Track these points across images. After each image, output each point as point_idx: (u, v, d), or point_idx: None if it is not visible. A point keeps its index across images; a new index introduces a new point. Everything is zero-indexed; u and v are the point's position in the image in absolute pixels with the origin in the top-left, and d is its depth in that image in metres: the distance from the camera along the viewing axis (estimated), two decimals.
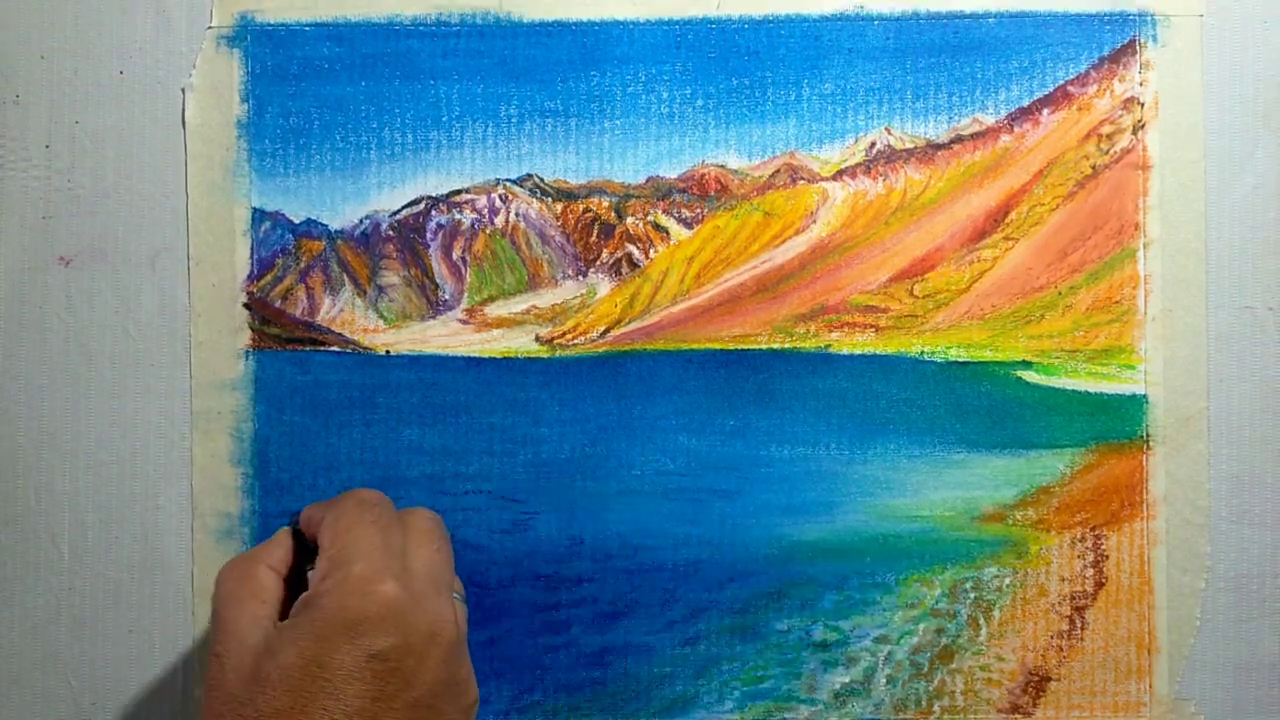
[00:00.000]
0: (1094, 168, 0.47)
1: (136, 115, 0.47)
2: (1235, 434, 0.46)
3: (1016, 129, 0.47)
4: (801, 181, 0.47)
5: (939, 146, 0.47)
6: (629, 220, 0.47)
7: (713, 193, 0.47)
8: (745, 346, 0.47)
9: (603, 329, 0.47)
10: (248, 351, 0.46)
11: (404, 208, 0.47)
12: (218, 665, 0.36)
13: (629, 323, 0.47)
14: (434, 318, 0.47)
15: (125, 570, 0.46)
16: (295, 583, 0.39)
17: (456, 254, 0.48)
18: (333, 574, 0.36)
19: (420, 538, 0.39)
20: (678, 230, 0.47)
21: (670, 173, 0.47)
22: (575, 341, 0.47)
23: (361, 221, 0.47)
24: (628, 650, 0.46)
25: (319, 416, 0.46)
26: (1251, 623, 0.46)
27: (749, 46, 0.47)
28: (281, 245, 0.47)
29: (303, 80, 0.47)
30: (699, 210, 0.47)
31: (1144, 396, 0.46)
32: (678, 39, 0.47)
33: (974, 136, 0.47)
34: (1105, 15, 0.46)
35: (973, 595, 0.46)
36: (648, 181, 0.47)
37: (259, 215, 0.47)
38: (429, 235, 0.47)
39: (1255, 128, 0.46)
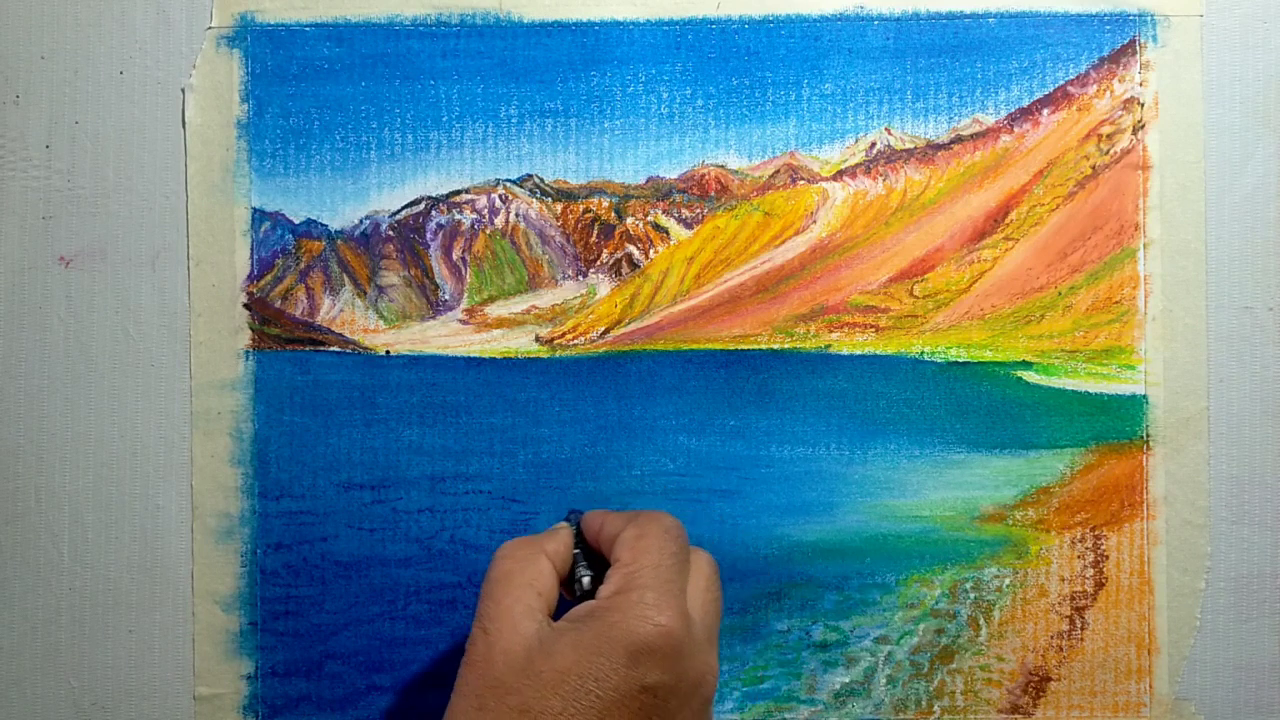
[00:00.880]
0: (1094, 168, 0.47)
1: (137, 115, 0.47)
2: (1235, 434, 0.46)
3: (1016, 129, 0.47)
4: (801, 182, 0.47)
5: (939, 147, 0.47)
6: (629, 220, 0.47)
7: (713, 193, 0.47)
8: (745, 347, 0.47)
9: (603, 329, 0.47)
10: (248, 352, 0.46)
11: (404, 208, 0.47)
12: (485, 643, 0.35)
13: (629, 323, 0.47)
14: (434, 318, 0.47)
15: (125, 570, 0.46)
16: (564, 582, 0.39)
17: (456, 254, 0.48)
18: (626, 593, 0.36)
19: (703, 583, 0.38)
20: (678, 230, 0.47)
21: (670, 173, 0.47)
22: (575, 342, 0.47)
23: (361, 222, 0.47)
24: None
25: (319, 417, 0.46)
26: (1251, 623, 0.46)
27: (749, 47, 0.47)
28: (281, 245, 0.47)
29: (303, 80, 0.47)
30: (699, 210, 0.47)
31: (1144, 397, 0.46)
32: (678, 39, 0.47)
33: (974, 137, 0.47)
34: (1105, 15, 0.46)
35: (973, 595, 0.46)
36: (648, 182, 0.47)
37: (259, 215, 0.47)
38: (429, 235, 0.47)
39: (1255, 128, 0.46)
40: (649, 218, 0.47)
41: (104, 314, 0.46)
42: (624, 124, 0.47)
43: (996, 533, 0.46)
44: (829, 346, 0.47)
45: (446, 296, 0.48)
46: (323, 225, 0.47)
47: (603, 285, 0.47)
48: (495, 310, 0.48)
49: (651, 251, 0.47)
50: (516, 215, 0.47)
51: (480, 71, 0.47)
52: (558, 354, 0.47)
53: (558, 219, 0.47)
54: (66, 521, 0.46)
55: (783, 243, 0.47)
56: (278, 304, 0.47)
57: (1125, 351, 0.46)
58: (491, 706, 0.34)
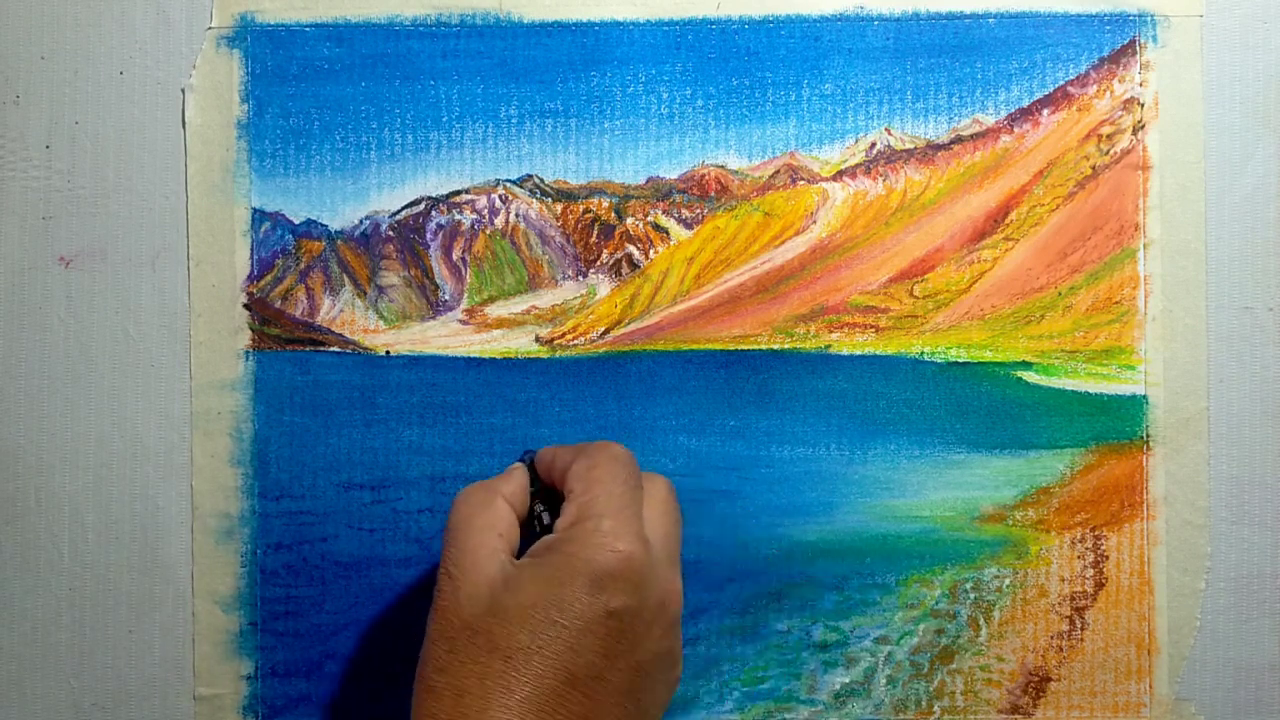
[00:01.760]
0: (1094, 168, 0.47)
1: (137, 116, 0.47)
2: (1235, 434, 0.46)
3: (1016, 129, 0.47)
4: (801, 182, 0.47)
5: (939, 147, 0.47)
6: (629, 221, 0.47)
7: (713, 193, 0.47)
8: (745, 347, 0.47)
9: (603, 329, 0.47)
10: (248, 352, 0.46)
11: (404, 208, 0.47)
12: (451, 588, 0.36)
13: (629, 323, 0.47)
14: (434, 318, 0.47)
15: (125, 570, 0.46)
16: (524, 521, 0.39)
17: (456, 254, 0.48)
18: (582, 523, 0.36)
19: (660, 507, 0.39)
20: (678, 231, 0.47)
21: (670, 173, 0.47)
22: (575, 342, 0.47)
23: (361, 222, 0.47)
24: None
25: (319, 417, 0.46)
26: (1252, 623, 0.46)
27: (749, 47, 0.47)
28: (281, 246, 0.47)
29: (303, 81, 0.47)
30: (699, 211, 0.47)
31: (1144, 397, 0.46)
32: (678, 39, 0.47)
33: (974, 137, 0.47)
34: (1105, 16, 0.46)
35: (973, 596, 0.46)
36: (648, 182, 0.47)
37: (259, 216, 0.47)
38: (429, 236, 0.47)
39: (1255, 128, 0.46)
40: (649, 218, 0.47)
41: (104, 314, 0.46)
42: (624, 124, 0.47)
43: (996, 533, 0.46)
44: (829, 347, 0.47)
45: (446, 297, 0.48)
46: (323, 225, 0.47)
47: (603, 285, 0.47)
48: (495, 310, 0.48)
49: (651, 252, 0.47)
50: (516, 215, 0.47)
51: (480, 72, 0.47)
52: (558, 354, 0.47)
53: (558, 219, 0.47)
54: (66, 522, 0.46)
55: (783, 243, 0.47)
56: (278, 304, 0.47)
57: (1125, 352, 0.46)
58: (461, 648, 0.34)
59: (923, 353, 0.47)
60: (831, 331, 0.47)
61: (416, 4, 0.47)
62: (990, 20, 0.46)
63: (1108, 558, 0.46)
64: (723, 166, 0.47)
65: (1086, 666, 0.46)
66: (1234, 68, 0.46)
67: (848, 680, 0.46)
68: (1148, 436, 0.46)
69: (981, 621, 0.46)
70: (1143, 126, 0.46)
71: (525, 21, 0.47)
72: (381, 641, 0.46)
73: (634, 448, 0.46)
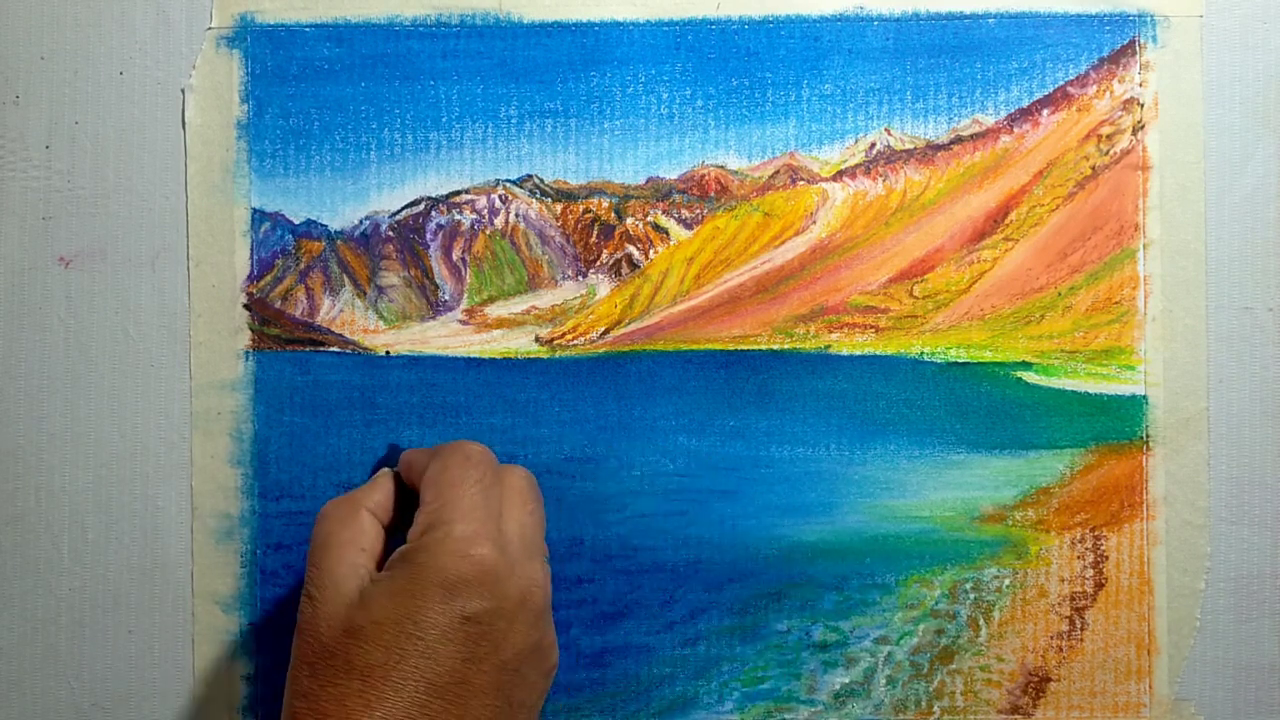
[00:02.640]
0: (1094, 168, 0.47)
1: (136, 116, 0.47)
2: (1235, 435, 0.46)
3: (1016, 130, 0.47)
4: (801, 182, 0.47)
5: (939, 147, 0.47)
6: (629, 221, 0.47)
7: (712, 193, 0.47)
8: (745, 347, 0.47)
9: (602, 330, 0.47)
10: (247, 352, 0.46)
11: (404, 208, 0.47)
12: (311, 610, 0.36)
13: (629, 323, 0.47)
14: (434, 318, 0.47)
15: (125, 571, 0.46)
16: (393, 527, 0.39)
17: (456, 255, 0.48)
18: (432, 531, 0.36)
19: (516, 499, 0.39)
20: (677, 231, 0.47)
21: (670, 173, 0.47)
22: (575, 342, 0.47)
23: (361, 222, 0.47)
24: (627, 651, 0.46)
25: (319, 417, 0.46)
26: (1252, 623, 0.46)
27: (749, 47, 0.47)
28: (281, 246, 0.47)
29: (303, 81, 0.47)
30: (699, 211, 0.47)
31: (1144, 397, 0.46)
32: (677, 40, 0.47)
33: (974, 137, 0.47)
34: (1105, 16, 0.46)
35: (972, 596, 0.46)
36: (647, 182, 0.47)
37: (259, 216, 0.47)
38: (429, 236, 0.47)
39: (1255, 129, 0.46)
40: (649, 218, 0.47)
41: (104, 314, 0.46)
42: (624, 124, 0.47)
43: (996, 533, 0.46)
44: (829, 347, 0.47)
45: (446, 297, 0.48)
46: (322, 225, 0.47)
47: (602, 286, 0.47)
48: (495, 310, 0.48)
49: (651, 252, 0.47)
50: (516, 215, 0.47)
51: (480, 72, 0.47)
52: (557, 354, 0.47)
53: (557, 219, 0.47)
54: (66, 522, 0.46)
55: (782, 243, 0.47)
56: (278, 304, 0.47)
57: (1125, 352, 0.46)
58: (321, 671, 0.34)
59: (922, 353, 0.47)
60: (831, 332, 0.47)
61: (416, 4, 0.47)
62: (990, 20, 0.46)
63: (1107, 558, 0.46)
64: (722, 167, 0.47)
65: (1086, 667, 0.46)
66: (1234, 68, 0.46)
67: (847, 680, 0.46)
68: (1147, 437, 0.46)
69: (981, 622, 0.46)
70: (1142, 127, 0.46)
71: (525, 22, 0.47)
72: None
73: (634, 448, 0.46)
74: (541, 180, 0.47)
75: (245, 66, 0.46)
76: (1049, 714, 0.46)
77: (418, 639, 0.34)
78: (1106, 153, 0.47)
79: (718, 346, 0.47)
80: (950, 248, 0.47)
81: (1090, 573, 0.46)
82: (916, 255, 0.47)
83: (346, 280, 0.47)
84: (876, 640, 0.46)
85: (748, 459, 0.47)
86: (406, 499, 0.40)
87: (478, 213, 0.47)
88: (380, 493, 0.40)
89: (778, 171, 0.47)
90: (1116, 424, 0.46)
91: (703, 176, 0.47)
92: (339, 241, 0.47)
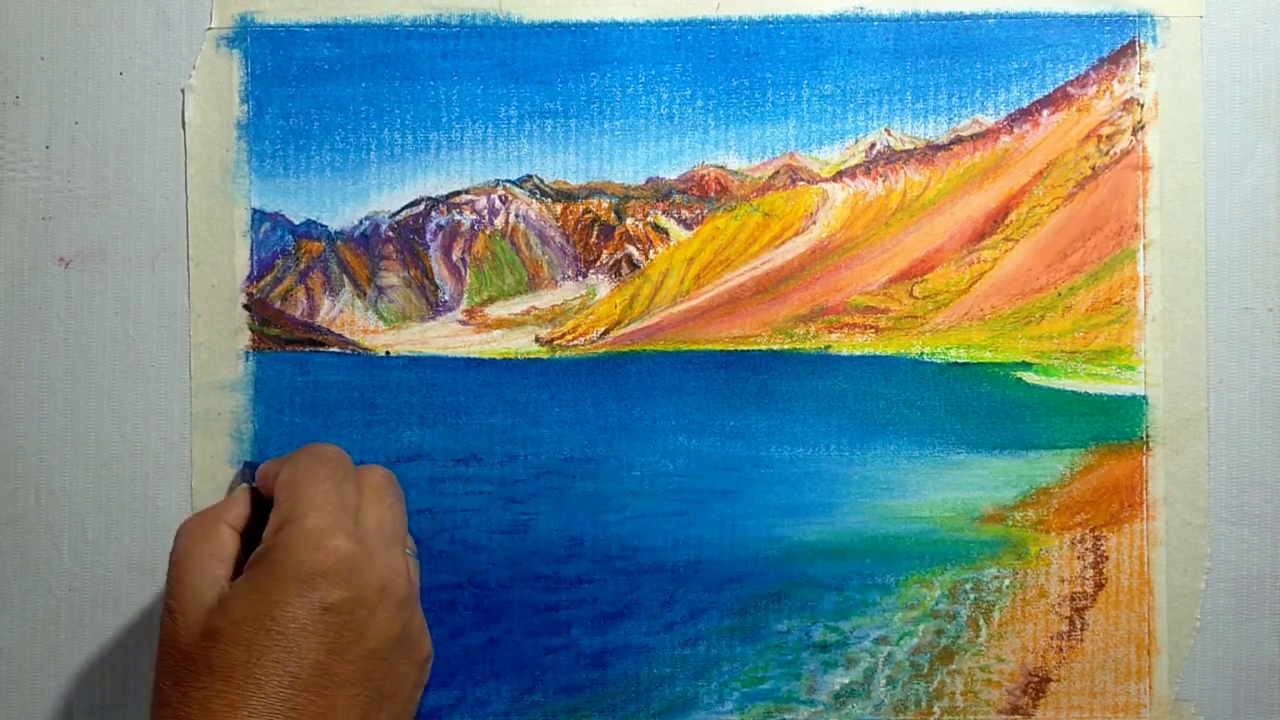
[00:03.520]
0: (1094, 169, 0.47)
1: (136, 116, 0.47)
2: (1235, 435, 0.46)
3: (1016, 130, 0.47)
4: (801, 182, 0.47)
5: (939, 147, 0.47)
6: (629, 221, 0.47)
7: (712, 194, 0.47)
8: (745, 347, 0.47)
9: (602, 330, 0.47)
10: (247, 352, 0.46)
11: (404, 209, 0.47)
12: (170, 622, 0.36)
13: (629, 324, 0.47)
14: (434, 319, 0.47)
15: (125, 571, 0.46)
16: (252, 539, 0.39)
17: (456, 255, 0.48)
18: (285, 527, 0.36)
19: (373, 494, 0.39)
20: (677, 231, 0.47)
21: (670, 174, 0.47)
22: (575, 342, 0.47)
23: (361, 222, 0.47)
24: (627, 651, 0.46)
25: (319, 417, 0.46)
26: (1252, 624, 0.46)
27: (748, 47, 0.47)
28: (281, 246, 0.47)
29: (302, 81, 0.47)
30: (699, 211, 0.47)
31: (1144, 397, 0.46)
32: (677, 40, 0.47)
33: (974, 137, 0.47)
34: (1105, 16, 0.46)
35: (972, 596, 0.46)
36: (647, 182, 0.47)
37: (259, 216, 0.47)
38: (429, 236, 0.47)
39: (1255, 129, 0.46)
40: (649, 218, 0.47)
41: (104, 314, 0.46)
42: (623, 125, 0.47)
43: (996, 533, 0.46)
44: (829, 347, 0.47)
45: (446, 297, 0.48)
46: (322, 226, 0.47)
47: (602, 286, 0.47)
48: (495, 311, 0.48)
49: (651, 252, 0.47)
50: (516, 216, 0.47)
51: (480, 72, 0.47)
52: (557, 354, 0.47)
53: (557, 220, 0.47)
54: (66, 522, 0.46)
55: (782, 243, 0.47)
56: (277, 304, 0.47)
57: (1125, 352, 0.46)
58: (183, 678, 0.35)
59: (922, 353, 0.47)
60: (831, 332, 0.47)
61: (416, 4, 0.47)
62: (990, 21, 0.46)
63: (1107, 558, 0.46)
64: (722, 167, 0.47)
65: (1086, 667, 0.46)
66: (1234, 68, 0.46)
67: (847, 681, 0.46)
68: (1147, 437, 0.46)
69: (981, 622, 0.46)
70: (1142, 127, 0.46)
71: (525, 22, 0.47)
72: None
73: (634, 448, 0.46)
74: (541, 180, 0.47)
75: (245, 67, 0.46)
76: (1049, 714, 0.46)
77: (277, 634, 0.34)
78: (1106, 153, 0.47)
79: (718, 347, 0.47)
80: (950, 248, 0.47)
81: (1090, 573, 0.46)
82: (916, 255, 0.47)
83: (346, 280, 0.47)
84: (876, 640, 0.46)
85: (748, 459, 0.47)
86: (264, 512, 0.40)
87: (478, 213, 0.47)
88: (238, 506, 0.40)
89: (778, 172, 0.47)
90: (1116, 424, 0.46)
91: (703, 177, 0.47)
92: (339, 242, 0.47)
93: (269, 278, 0.47)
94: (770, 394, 0.47)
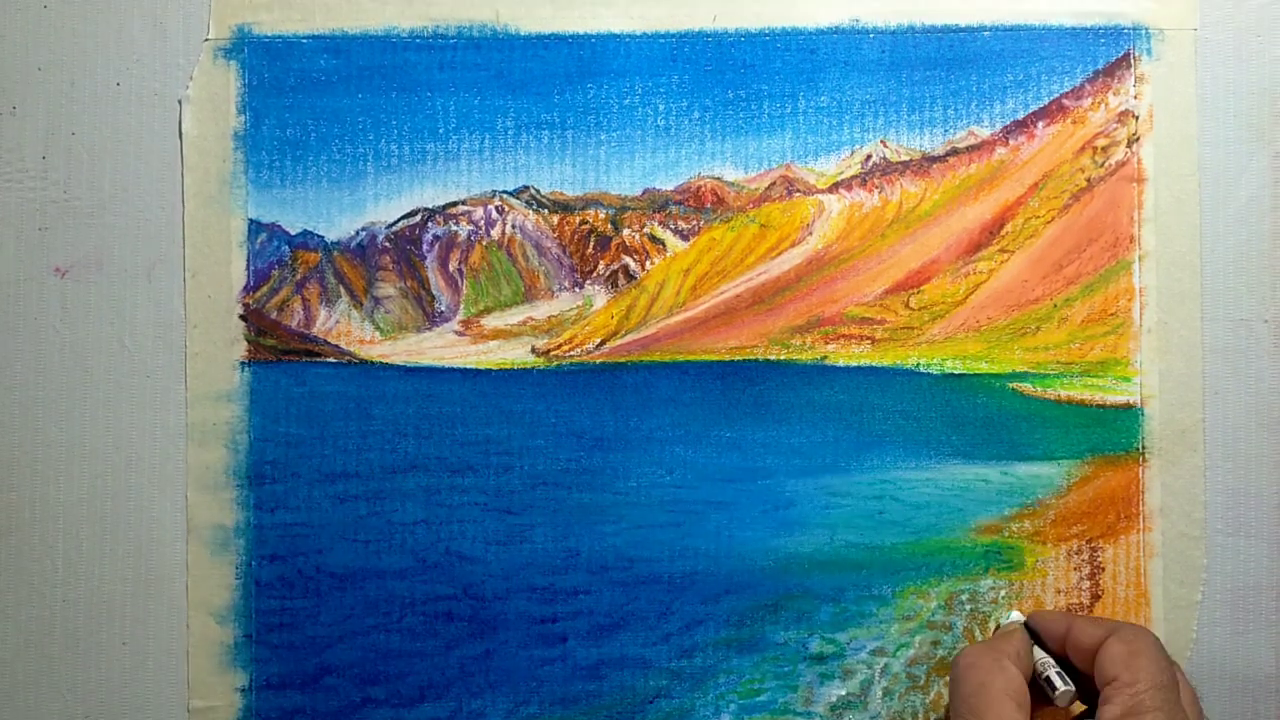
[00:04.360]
0: (1089, 180, 0.47)
1: (133, 127, 0.47)
2: (1231, 446, 0.46)
3: (1012, 142, 0.47)
4: (797, 194, 0.47)
5: (934, 159, 0.47)
6: (625, 232, 0.47)
7: (709, 205, 0.47)
8: (742, 358, 0.47)
9: (599, 340, 0.47)
10: (244, 363, 0.46)
11: (400, 219, 0.47)
12: None
13: (625, 334, 0.47)
14: (430, 329, 0.47)
15: (120, 583, 0.46)
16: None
17: (453, 266, 0.48)
18: (1135, 716, 0.37)
19: (1189, 694, 0.40)
20: (674, 242, 0.47)
21: (666, 185, 0.47)
22: (571, 353, 0.47)
23: (358, 233, 0.47)
24: (624, 663, 0.46)
25: (315, 428, 0.46)
26: (1248, 635, 0.46)
27: (745, 59, 0.47)
28: (278, 257, 0.47)
29: (299, 92, 0.47)
30: (695, 222, 0.47)
31: (1140, 409, 0.46)
32: (673, 52, 0.47)
33: (969, 149, 0.47)
34: (1099, 29, 0.47)
35: (969, 607, 0.46)
36: (644, 194, 0.47)
37: (255, 227, 0.47)
38: (425, 247, 0.47)
39: (1249, 141, 0.46)
40: (645, 229, 0.47)
41: (100, 325, 0.46)
42: (620, 136, 0.47)
43: (992, 544, 0.46)
44: (825, 358, 0.47)
45: (443, 308, 0.48)
46: (319, 236, 0.47)
47: (599, 297, 0.47)
48: (491, 322, 0.48)
49: (648, 263, 0.48)
50: (513, 227, 0.48)
51: (477, 83, 0.47)
52: (554, 365, 0.47)
53: (554, 230, 0.47)
54: (61, 533, 0.46)
55: (779, 254, 0.47)
56: (274, 315, 0.47)
57: (1121, 363, 0.46)
58: None
59: (918, 364, 0.47)
60: (828, 343, 0.47)
61: (413, 16, 0.47)
62: (985, 33, 0.47)
63: (1104, 569, 0.46)
64: (719, 178, 0.47)
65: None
66: (1228, 81, 0.46)
67: (844, 693, 0.46)
68: (1143, 448, 0.46)
69: (978, 633, 0.46)
70: (1137, 139, 0.47)
71: (522, 34, 0.47)
72: (376, 654, 0.46)
73: (630, 459, 0.46)
74: (538, 191, 0.47)
75: (242, 78, 0.47)
76: None
77: None
78: (1101, 165, 0.47)
79: (714, 358, 0.47)
80: (946, 259, 0.47)
81: (1087, 584, 0.46)
82: (912, 267, 0.47)
83: (343, 291, 0.47)
84: (873, 652, 0.46)
85: (744, 470, 0.47)
86: (1045, 657, 0.41)
87: (474, 224, 0.47)
88: (1018, 645, 0.41)
89: (774, 183, 0.47)
90: (1112, 435, 0.46)
91: (699, 188, 0.47)
92: (335, 252, 0.47)
93: (265, 288, 0.47)
94: (767, 405, 0.47)
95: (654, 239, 0.47)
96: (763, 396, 0.47)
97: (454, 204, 0.47)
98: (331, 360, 0.47)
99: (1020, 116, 0.47)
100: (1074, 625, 0.41)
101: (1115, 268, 0.47)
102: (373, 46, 0.47)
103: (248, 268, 0.47)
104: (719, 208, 0.47)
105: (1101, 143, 0.47)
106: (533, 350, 0.47)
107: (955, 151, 0.47)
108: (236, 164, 0.47)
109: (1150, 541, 0.46)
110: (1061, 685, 0.40)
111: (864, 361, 0.47)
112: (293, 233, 0.47)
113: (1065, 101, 0.47)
